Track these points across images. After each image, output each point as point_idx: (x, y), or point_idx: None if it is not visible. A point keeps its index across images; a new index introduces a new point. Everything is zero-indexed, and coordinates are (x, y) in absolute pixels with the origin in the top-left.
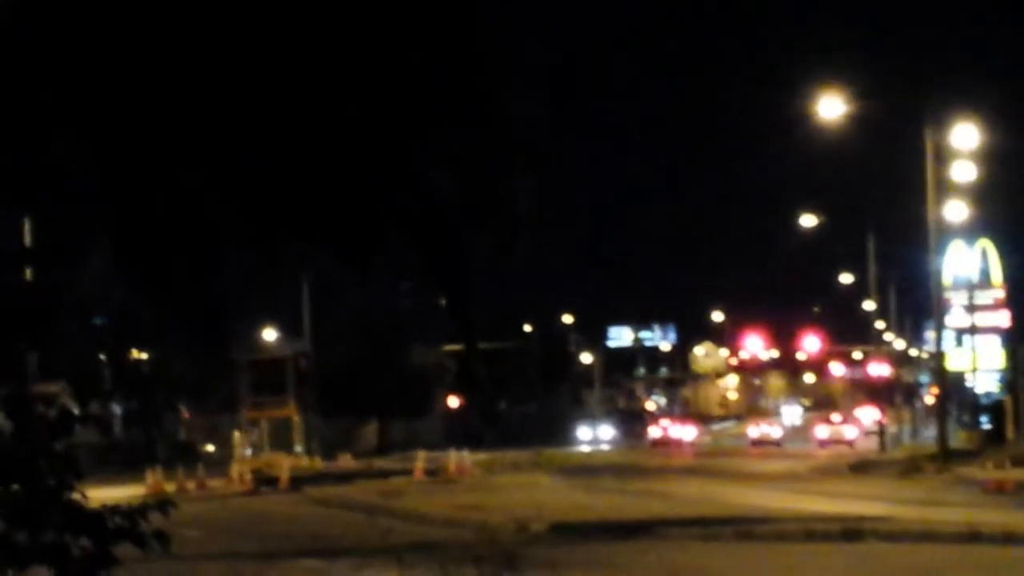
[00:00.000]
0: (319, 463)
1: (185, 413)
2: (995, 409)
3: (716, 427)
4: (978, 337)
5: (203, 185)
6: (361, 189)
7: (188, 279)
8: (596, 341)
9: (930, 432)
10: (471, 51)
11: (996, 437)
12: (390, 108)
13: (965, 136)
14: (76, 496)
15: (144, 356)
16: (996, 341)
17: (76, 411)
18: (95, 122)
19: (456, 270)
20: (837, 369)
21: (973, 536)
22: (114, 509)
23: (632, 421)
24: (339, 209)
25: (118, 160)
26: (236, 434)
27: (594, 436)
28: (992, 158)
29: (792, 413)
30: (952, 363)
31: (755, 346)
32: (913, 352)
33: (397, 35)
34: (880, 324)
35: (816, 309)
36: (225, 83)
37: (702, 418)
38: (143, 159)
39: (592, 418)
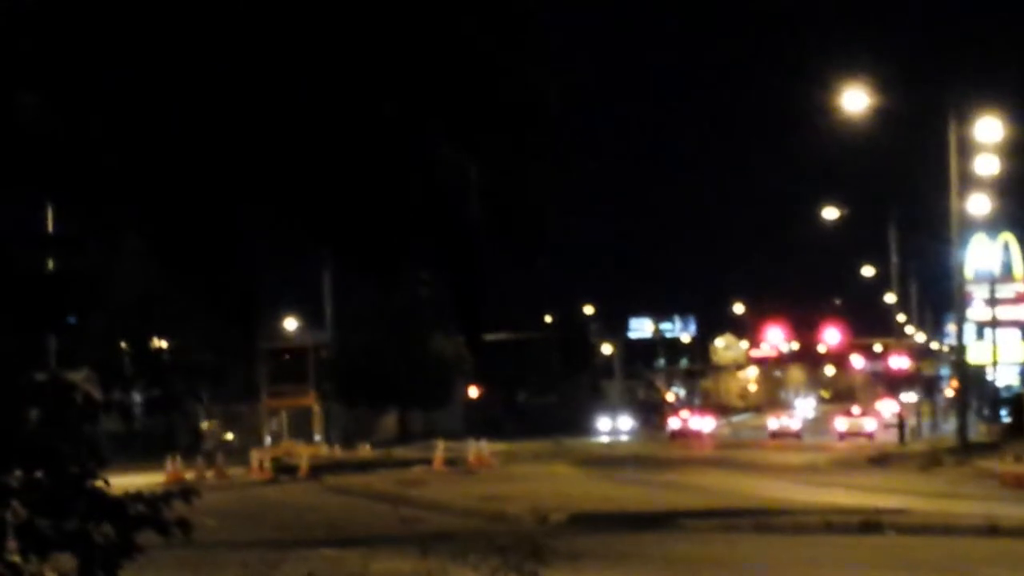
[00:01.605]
0: (338, 452)
1: (205, 401)
2: (1015, 402)
3: (736, 419)
4: (999, 331)
5: (232, 179)
6: (381, 191)
7: (220, 269)
8: (617, 332)
9: (950, 425)
10: (500, 42)
11: (1016, 430)
12: (410, 101)
13: (989, 129)
14: (99, 483)
15: (164, 344)
16: (1017, 335)
17: (99, 398)
18: (124, 115)
19: (469, 275)
20: (857, 362)
21: (992, 529)
22: (137, 496)
23: (652, 412)
24: (360, 215)
25: (147, 150)
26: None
27: (614, 427)
28: (1016, 152)
29: (806, 406)
30: (973, 356)
31: (776, 338)
32: (934, 345)
33: (421, 27)
34: (901, 317)
35: (837, 302)
36: (247, 79)
37: (722, 410)
38: (172, 149)
39: (612, 409)
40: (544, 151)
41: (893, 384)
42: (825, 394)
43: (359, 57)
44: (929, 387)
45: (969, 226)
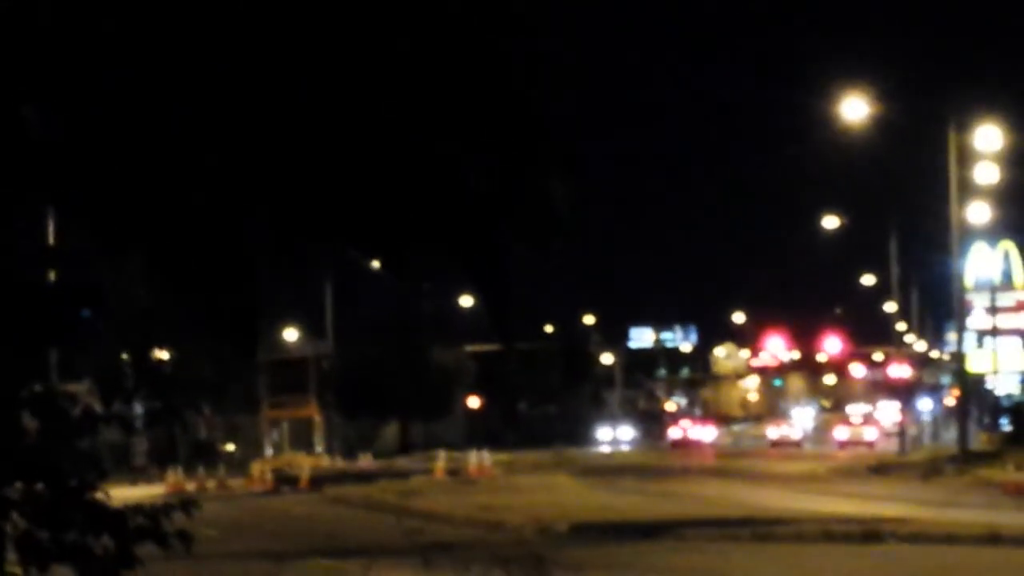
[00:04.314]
0: (340, 463)
1: (206, 412)
2: (1016, 411)
3: (736, 428)
4: (999, 339)
5: (237, 186)
6: (394, 188)
7: (221, 282)
8: (617, 342)
9: (950, 434)
10: (506, 49)
11: (1016, 439)
12: (422, 105)
13: (988, 138)
14: (99, 495)
15: (165, 355)
16: (1017, 343)
17: (99, 410)
18: (133, 122)
19: (495, 270)
20: (858, 370)
21: (993, 538)
22: (137, 509)
23: (652, 422)
24: (373, 209)
25: (150, 159)
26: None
27: (614, 437)
28: (1015, 160)
29: (804, 416)
30: (973, 365)
31: (776, 347)
32: (934, 354)
33: (428, 31)
34: (901, 326)
35: (838, 311)
36: (255, 84)
37: (722, 419)
38: (175, 158)
39: (612, 419)
40: (565, 158)
41: (894, 393)
42: (825, 403)
43: (377, 63)
44: (930, 396)
45: (969, 235)
